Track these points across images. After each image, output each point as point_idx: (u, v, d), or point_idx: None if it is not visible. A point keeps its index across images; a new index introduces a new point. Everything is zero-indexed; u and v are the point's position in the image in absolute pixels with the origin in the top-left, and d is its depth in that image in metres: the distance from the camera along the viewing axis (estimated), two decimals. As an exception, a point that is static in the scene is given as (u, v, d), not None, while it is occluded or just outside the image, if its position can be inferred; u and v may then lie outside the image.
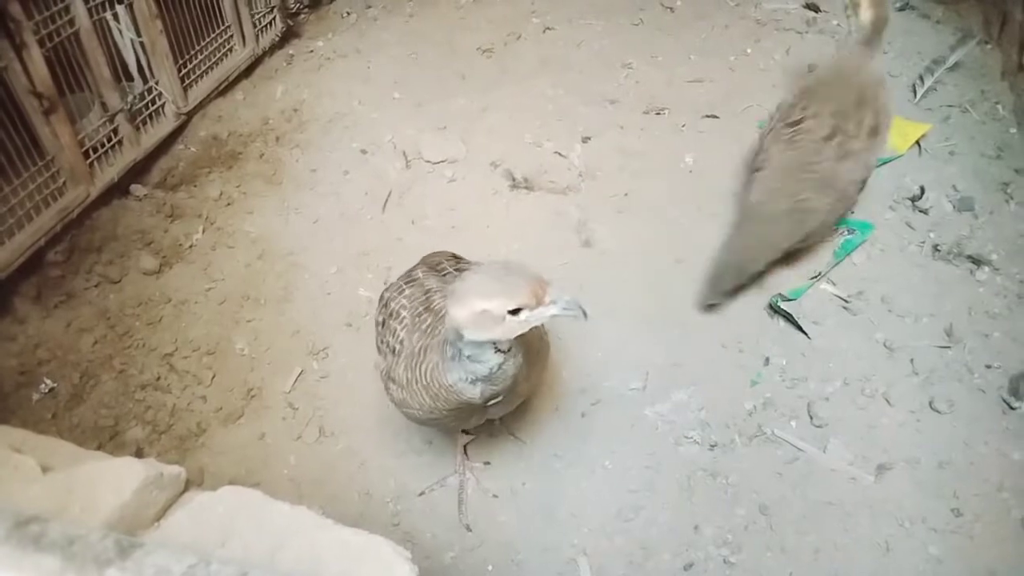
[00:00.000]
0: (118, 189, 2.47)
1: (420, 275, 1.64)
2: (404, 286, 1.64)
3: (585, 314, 1.27)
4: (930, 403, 1.93)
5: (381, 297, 1.70)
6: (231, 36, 2.92)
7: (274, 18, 3.13)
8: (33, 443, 1.44)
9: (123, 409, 1.95)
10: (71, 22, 2.22)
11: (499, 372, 1.36)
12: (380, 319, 1.65)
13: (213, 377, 2.04)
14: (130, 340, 2.11)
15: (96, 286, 2.24)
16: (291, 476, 1.85)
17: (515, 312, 1.24)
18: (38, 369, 2.02)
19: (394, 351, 1.53)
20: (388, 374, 1.55)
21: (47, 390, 1.97)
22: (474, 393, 1.39)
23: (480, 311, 1.24)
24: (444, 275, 1.62)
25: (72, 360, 2.04)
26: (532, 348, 1.48)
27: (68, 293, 2.20)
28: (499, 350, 1.34)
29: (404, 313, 1.56)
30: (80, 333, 2.10)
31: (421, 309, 1.53)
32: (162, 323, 2.17)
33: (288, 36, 3.24)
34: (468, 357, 1.34)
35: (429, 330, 1.48)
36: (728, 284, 2.16)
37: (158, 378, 2.02)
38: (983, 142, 2.65)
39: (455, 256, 1.76)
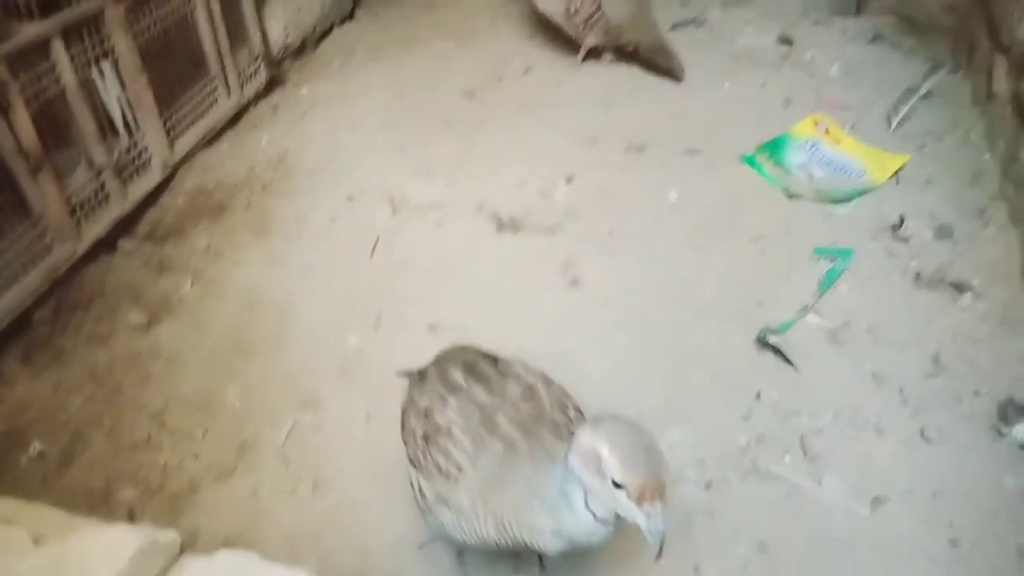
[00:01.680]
0: (105, 244, 2.48)
1: (462, 381, 1.50)
2: (447, 395, 1.48)
3: (660, 552, 1.15)
4: (921, 432, 1.94)
5: (412, 399, 1.57)
6: (216, 87, 2.95)
7: (259, 67, 3.17)
8: (23, 512, 1.42)
9: (114, 470, 1.93)
10: (57, 80, 2.25)
11: (583, 534, 1.24)
12: (418, 430, 1.48)
13: (204, 433, 2.03)
14: (120, 398, 2.09)
15: (85, 344, 2.23)
16: (286, 533, 1.83)
17: (617, 485, 1.15)
18: (27, 432, 2.00)
19: (448, 476, 1.39)
20: (440, 497, 1.41)
21: (36, 453, 1.94)
22: (550, 545, 1.28)
23: (595, 451, 1.15)
24: (488, 382, 1.49)
25: (61, 421, 2.02)
26: None
27: (56, 352, 2.19)
28: (591, 511, 1.22)
29: (457, 432, 1.40)
30: (69, 393, 2.09)
31: (483, 432, 1.39)
32: (152, 379, 2.15)
33: (273, 84, 3.29)
34: (563, 500, 1.24)
35: (506, 462, 1.35)
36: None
37: (149, 436, 2.01)
38: (958, 169, 2.70)
39: (485, 354, 1.63)
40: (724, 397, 2.07)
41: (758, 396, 2.06)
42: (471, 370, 1.54)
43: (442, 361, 1.64)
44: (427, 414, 1.49)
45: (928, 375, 2.07)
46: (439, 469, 1.42)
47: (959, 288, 2.28)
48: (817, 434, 1.96)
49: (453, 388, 1.50)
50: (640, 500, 1.13)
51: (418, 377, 1.67)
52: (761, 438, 1.97)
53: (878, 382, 2.07)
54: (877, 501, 1.83)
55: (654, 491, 1.13)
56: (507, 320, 2.29)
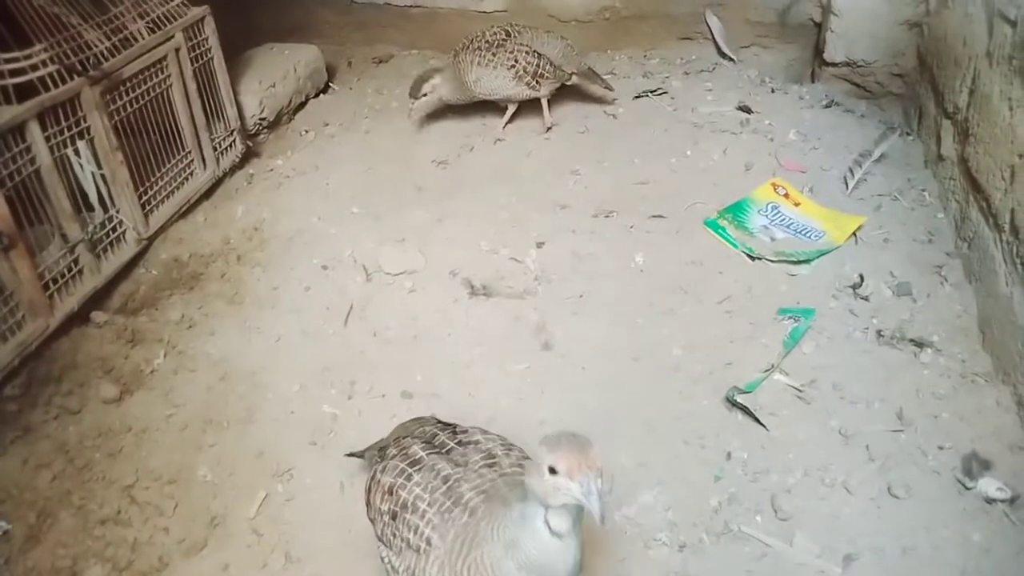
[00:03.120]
0: (78, 317, 2.47)
1: (423, 454, 1.56)
2: (410, 470, 1.53)
3: (602, 519, 1.22)
4: (888, 489, 1.97)
5: (375, 477, 1.61)
6: (192, 161, 3.00)
7: (234, 140, 3.24)
8: (-14, 596, 1.40)
9: (82, 547, 1.90)
10: (32, 160, 2.28)
11: (542, 552, 1.28)
12: (385, 508, 1.53)
13: (175, 507, 2.01)
14: (89, 473, 2.07)
15: (55, 418, 2.21)
16: (257, 609, 1.80)
17: (552, 471, 1.23)
18: (-8, 510, 1.97)
19: (418, 549, 1.43)
20: (410, 570, 1.45)
21: (1, 533, 1.91)
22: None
23: (536, 456, 1.26)
24: (449, 453, 1.55)
25: (28, 499, 1.99)
26: None
27: (25, 428, 2.16)
28: (548, 525, 1.27)
29: (423, 506, 1.45)
30: (38, 469, 2.06)
31: (448, 503, 1.44)
32: (123, 453, 2.13)
33: (248, 156, 3.35)
34: (522, 525, 1.29)
35: (468, 526, 1.39)
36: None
37: (118, 512, 1.98)
38: (914, 228, 2.80)
39: (441, 422, 1.70)
40: (695, 457, 2.09)
41: (728, 456, 2.08)
42: (431, 443, 1.59)
43: (400, 437, 1.67)
44: (392, 491, 1.53)
45: (893, 431, 2.11)
46: (408, 544, 1.45)
47: (920, 344, 2.34)
48: (787, 493, 1.98)
49: (414, 462, 1.55)
50: (572, 476, 1.21)
51: (378, 455, 1.70)
52: (732, 498, 1.98)
53: (845, 439, 2.11)
54: (848, 559, 1.84)
55: (582, 463, 1.22)
56: (480, 385, 2.31)
